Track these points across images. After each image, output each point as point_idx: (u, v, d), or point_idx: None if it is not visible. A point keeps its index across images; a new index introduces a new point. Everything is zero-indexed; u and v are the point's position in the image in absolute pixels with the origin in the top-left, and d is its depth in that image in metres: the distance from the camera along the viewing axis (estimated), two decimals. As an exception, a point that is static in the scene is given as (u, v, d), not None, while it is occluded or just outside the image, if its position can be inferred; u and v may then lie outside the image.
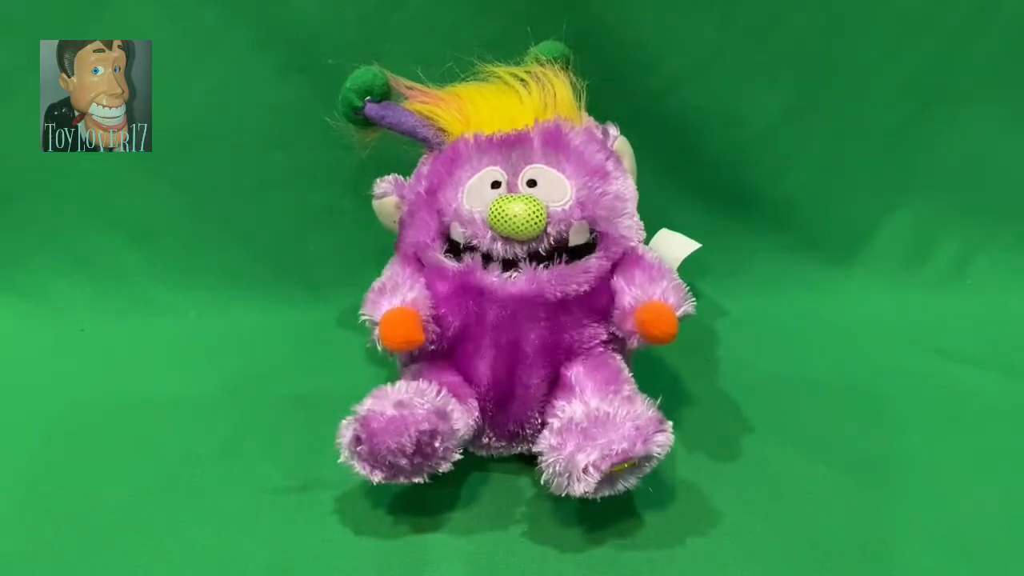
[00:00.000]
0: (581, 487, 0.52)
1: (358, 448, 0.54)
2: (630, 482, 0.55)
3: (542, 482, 0.54)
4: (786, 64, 0.77)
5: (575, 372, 0.58)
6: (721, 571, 0.54)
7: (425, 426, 0.53)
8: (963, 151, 0.82)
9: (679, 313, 0.56)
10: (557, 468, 0.53)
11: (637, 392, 0.57)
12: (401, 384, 0.56)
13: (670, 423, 0.55)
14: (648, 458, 0.54)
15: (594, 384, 0.57)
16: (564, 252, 0.58)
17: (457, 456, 0.56)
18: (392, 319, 0.56)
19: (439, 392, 0.56)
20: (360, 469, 0.54)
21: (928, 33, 0.77)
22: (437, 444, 0.54)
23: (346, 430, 0.55)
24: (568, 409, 0.55)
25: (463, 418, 0.56)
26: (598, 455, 0.52)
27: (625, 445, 0.52)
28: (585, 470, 0.52)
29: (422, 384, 0.56)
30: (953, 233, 0.85)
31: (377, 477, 0.54)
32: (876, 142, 0.82)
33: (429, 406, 0.54)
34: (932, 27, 0.77)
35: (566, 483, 0.53)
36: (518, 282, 0.57)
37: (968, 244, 0.85)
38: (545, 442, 0.54)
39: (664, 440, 0.54)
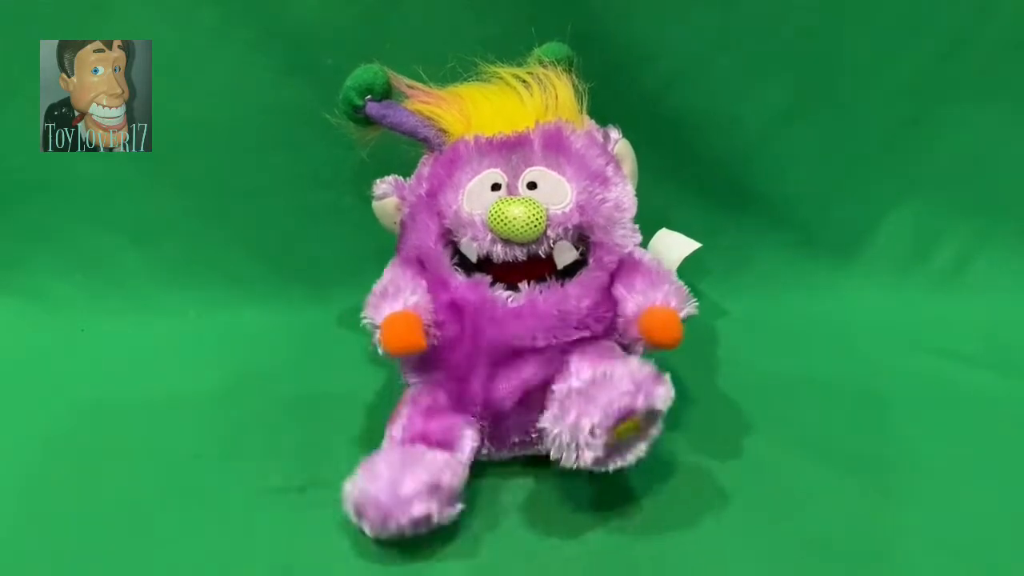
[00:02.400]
0: (590, 453, 0.52)
1: (359, 516, 0.54)
2: (640, 449, 0.54)
3: (551, 459, 0.54)
4: (786, 64, 0.77)
5: (571, 359, 0.58)
6: (722, 570, 0.54)
7: (418, 512, 0.53)
8: (963, 151, 0.82)
9: (682, 315, 0.56)
10: (564, 439, 0.52)
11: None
12: (390, 455, 0.56)
13: (667, 375, 0.54)
14: (652, 414, 0.54)
15: (589, 362, 0.57)
16: (554, 275, 0.58)
17: (457, 512, 0.56)
18: (393, 323, 0.56)
19: (432, 456, 0.55)
20: (364, 530, 0.54)
21: (928, 33, 0.77)
22: (434, 519, 0.54)
23: (347, 499, 0.55)
24: (566, 386, 0.55)
25: (458, 476, 0.56)
26: (601, 414, 0.51)
27: (627, 400, 0.52)
28: (591, 432, 0.51)
29: (412, 452, 0.56)
30: (953, 233, 0.85)
31: (380, 535, 0.54)
32: (876, 142, 0.82)
33: (420, 484, 0.53)
34: (932, 27, 0.77)
35: (575, 453, 0.52)
36: (517, 303, 0.57)
37: (968, 244, 0.85)
38: (547, 415, 0.54)
39: (664, 393, 0.54)
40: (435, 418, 0.59)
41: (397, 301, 0.58)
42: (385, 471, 0.54)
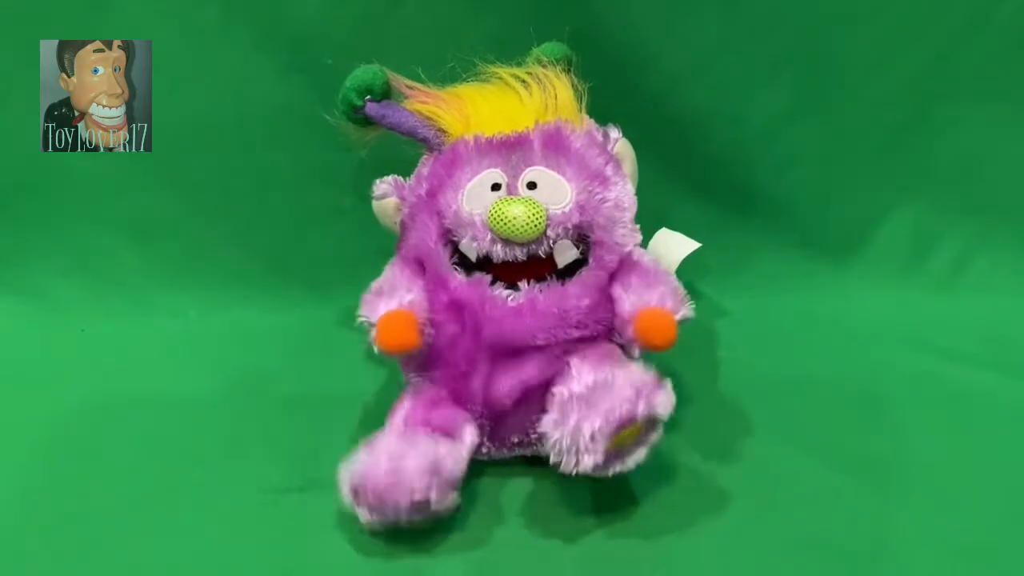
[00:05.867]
0: (590, 459, 0.52)
1: (356, 498, 0.54)
2: (639, 455, 0.54)
3: (551, 463, 0.54)
4: (786, 64, 0.77)
5: (572, 361, 0.58)
6: (721, 570, 0.54)
7: (419, 494, 0.53)
8: (963, 151, 0.82)
9: (678, 317, 0.56)
10: (564, 444, 0.52)
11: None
12: (393, 435, 0.56)
13: (669, 381, 0.54)
14: (652, 421, 0.54)
15: (590, 365, 0.57)
16: (555, 275, 0.58)
17: (454, 501, 0.56)
18: (389, 322, 0.56)
19: (433, 440, 0.56)
20: (360, 516, 0.54)
21: (928, 32, 0.77)
22: (432, 504, 0.54)
23: (344, 480, 0.55)
24: (567, 390, 0.55)
25: (459, 463, 0.56)
26: (602, 420, 0.51)
27: (628, 407, 0.52)
28: (592, 438, 0.51)
29: (413, 436, 0.56)
30: (953, 233, 0.85)
31: (376, 522, 0.54)
32: (876, 141, 0.82)
33: (423, 461, 0.53)
34: (932, 26, 0.77)
35: (575, 459, 0.52)
36: (517, 301, 0.57)
37: (968, 244, 0.85)
38: (548, 420, 0.54)
39: (665, 400, 0.54)
40: (437, 408, 0.59)
41: (393, 299, 0.58)
42: (386, 452, 0.54)
